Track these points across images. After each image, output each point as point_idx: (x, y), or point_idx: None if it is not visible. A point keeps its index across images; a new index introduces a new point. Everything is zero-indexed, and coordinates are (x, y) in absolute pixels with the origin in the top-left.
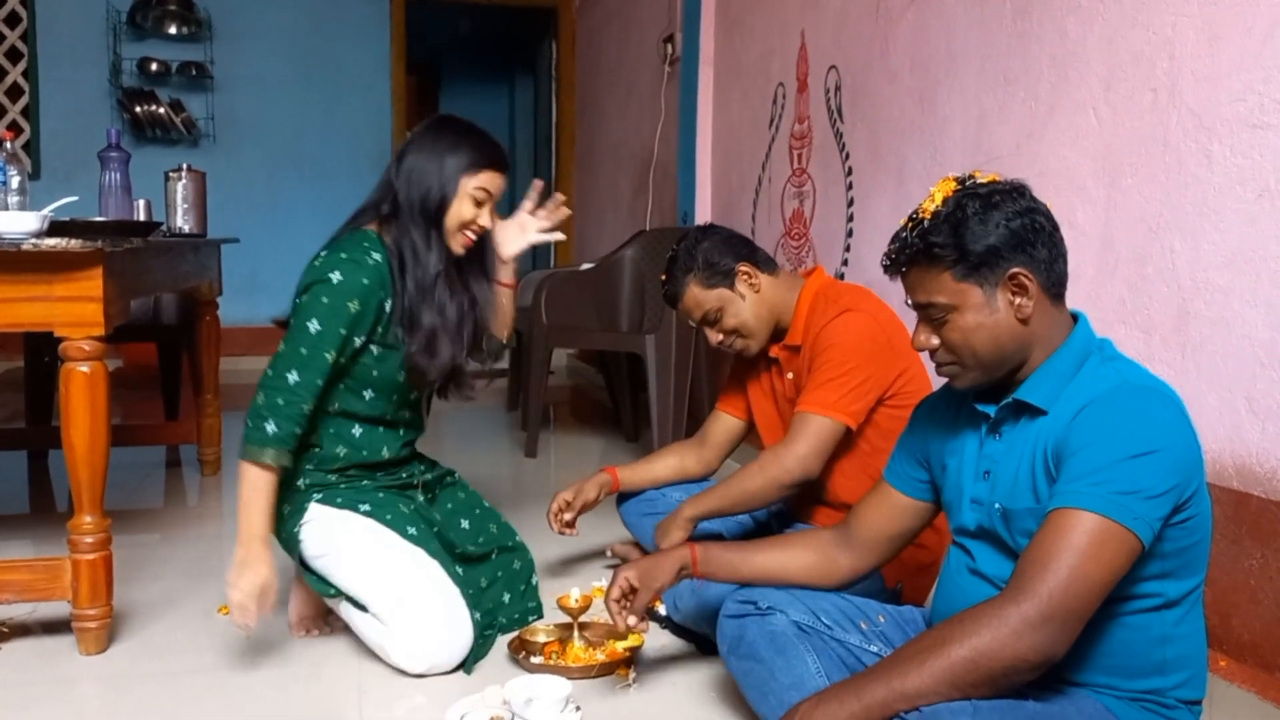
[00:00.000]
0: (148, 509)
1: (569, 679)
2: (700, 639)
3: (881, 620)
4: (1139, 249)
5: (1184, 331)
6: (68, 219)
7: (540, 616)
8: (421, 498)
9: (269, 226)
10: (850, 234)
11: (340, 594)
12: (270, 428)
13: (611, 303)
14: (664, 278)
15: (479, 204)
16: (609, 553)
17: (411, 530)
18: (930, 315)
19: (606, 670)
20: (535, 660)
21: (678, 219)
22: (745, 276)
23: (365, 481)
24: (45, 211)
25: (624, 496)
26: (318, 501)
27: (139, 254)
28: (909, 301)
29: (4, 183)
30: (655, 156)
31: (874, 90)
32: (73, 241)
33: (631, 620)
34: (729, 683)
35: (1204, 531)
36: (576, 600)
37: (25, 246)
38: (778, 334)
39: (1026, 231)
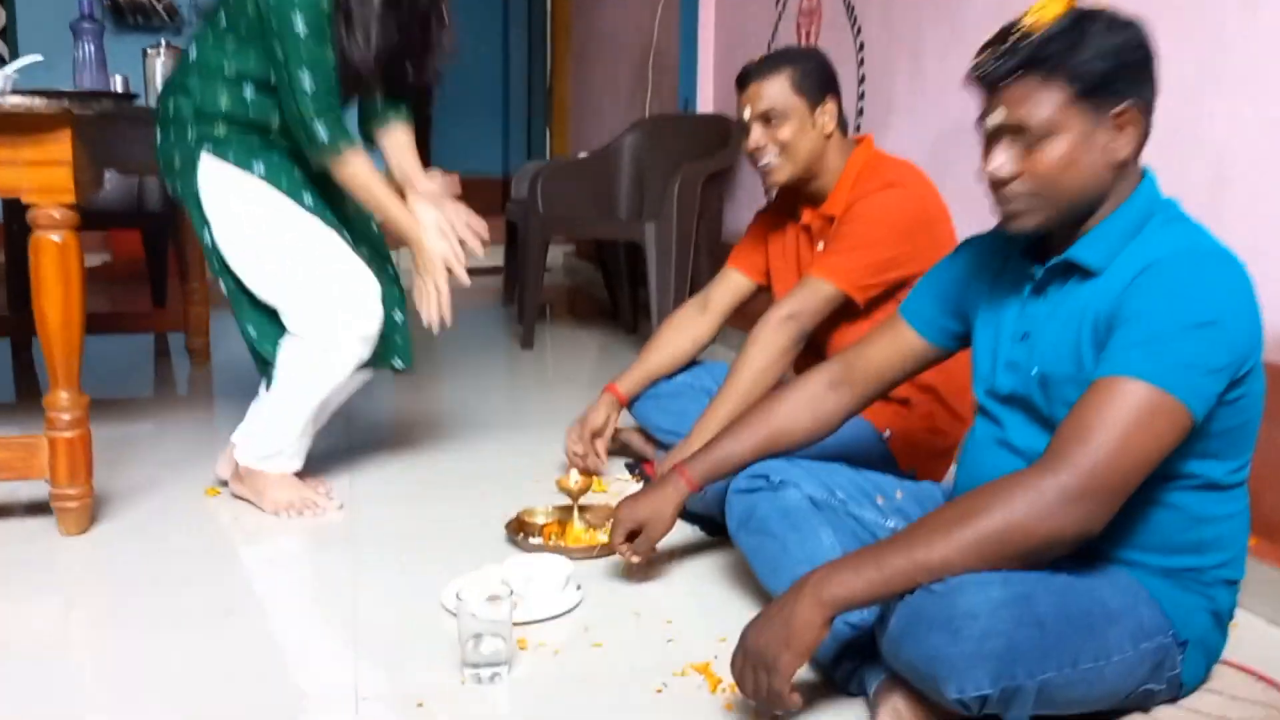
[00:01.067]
0: (137, 398)
1: (570, 560)
2: (704, 521)
3: (899, 496)
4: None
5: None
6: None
7: (408, 363)
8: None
9: None
10: (860, 113)
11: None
12: (322, 133)
13: (610, 191)
14: (759, 58)
15: None
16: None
17: (308, 199)
18: (1018, 139)
19: (607, 551)
20: (534, 541)
21: (678, 107)
22: (828, 112)
23: (253, 137)
24: (7, 70)
25: (631, 400)
26: (209, 153)
27: (113, 120)
28: (988, 122)
29: None
30: (654, 44)
31: None
32: (37, 100)
33: (636, 560)
34: (733, 563)
35: (1254, 412)
36: (576, 483)
37: None
38: (812, 196)
39: (1146, 65)
